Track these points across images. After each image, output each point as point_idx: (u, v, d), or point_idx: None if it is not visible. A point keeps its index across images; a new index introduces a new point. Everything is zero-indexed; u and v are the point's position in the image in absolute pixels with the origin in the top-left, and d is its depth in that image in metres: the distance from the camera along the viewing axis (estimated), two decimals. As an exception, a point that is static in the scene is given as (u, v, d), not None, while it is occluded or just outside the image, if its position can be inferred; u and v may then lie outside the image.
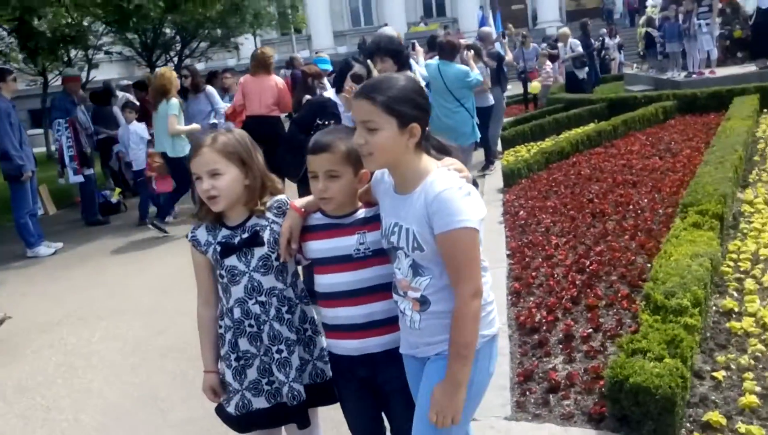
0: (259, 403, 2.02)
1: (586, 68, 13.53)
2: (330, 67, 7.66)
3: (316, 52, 10.67)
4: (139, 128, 8.19)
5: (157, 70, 8.09)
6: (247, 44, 19.85)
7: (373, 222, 1.92)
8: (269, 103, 6.81)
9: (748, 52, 12.12)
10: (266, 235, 2.00)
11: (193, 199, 7.49)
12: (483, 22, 14.21)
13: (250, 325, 2.00)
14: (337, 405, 2.10)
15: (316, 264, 1.99)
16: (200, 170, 1.95)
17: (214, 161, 1.94)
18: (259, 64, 6.93)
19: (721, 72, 11.21)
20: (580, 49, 13.30)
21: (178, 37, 16.39)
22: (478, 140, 6.51)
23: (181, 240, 6.93)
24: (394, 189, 1.82)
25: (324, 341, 2.08)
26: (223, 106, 7.92)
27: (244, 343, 2.00)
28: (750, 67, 11.22)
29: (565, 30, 14.54)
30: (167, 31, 15.39)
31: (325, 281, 1.96)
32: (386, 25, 28.37)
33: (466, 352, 1.68)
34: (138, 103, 9.01)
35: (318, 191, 1.91)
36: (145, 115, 8.50)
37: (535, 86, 13.04)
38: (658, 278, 3.24)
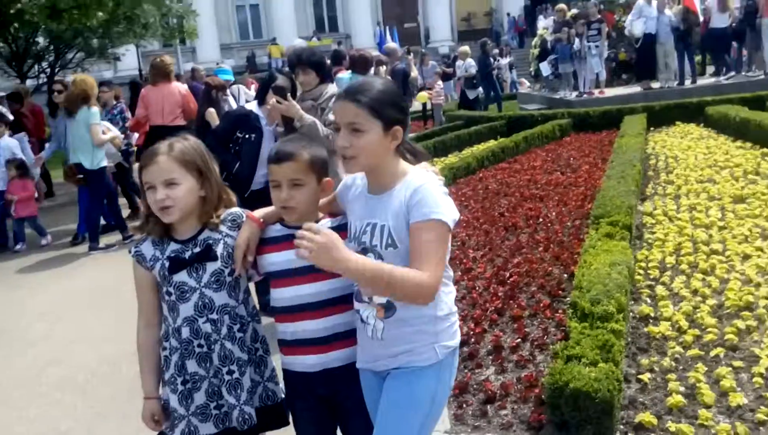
0: (207, 428, 1.93)
1: (480, 89, 14.14)
2: (232, 78, 7.58)
3: (217, 63, 10.48)
4: (11, 143, 7.58)
5: (77, 76, 7.63)
6: (129, 55, 19.14)
7: (337, 232, 1.90)
8: (172, 112, 6.76)
9: (632, 73, 13.15)
10: (219, 249, 1.93)
11: (104, 215, 7.22)
12: (381, 39, 14.50)
13: (200, 345, 1.91)
14: (287, 428, 2.05)
15: (276, 277, 1.95)
16: (155, 179, 1.86)
17: (170, 170, 1.86)
18: (159, 73, 6.86)
19: (610, 92, 12.06)
20: (473, 70, 13.89)
21: (51, 47, 15.55)
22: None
23: (77, 262, 6.54)
24: (368, 191, 1.84)
25: (273, 362, 2.04)
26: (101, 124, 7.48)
27: (192, 365, 1.91)
28: (635, 88, 12.16)
29: (465, 48, 15.15)
30: (40, 40, 14.55)
31: (286, 294, 1.93)
32: (275, 40, 28.38)
33: (379, 282, 1.63)
34: (11, 117, 8.44)
35: (281, 200, 1.90)
36: (20, 127, 7.97)
37: (422, 96, 13.42)
38: (582, 286, 3.42)
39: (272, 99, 3.89)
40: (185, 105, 6.87)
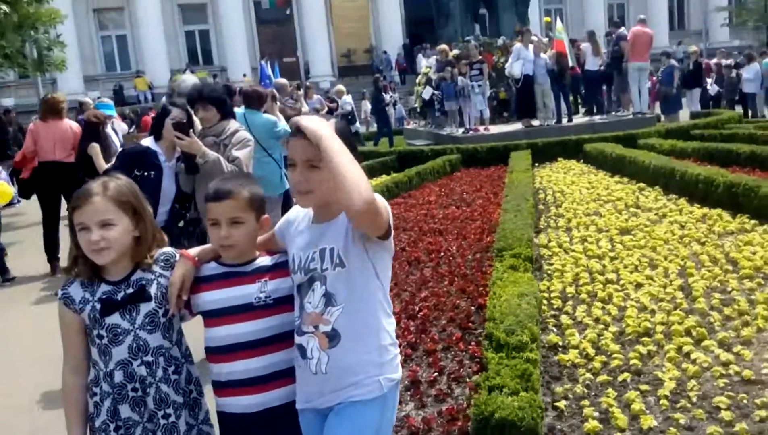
0: None
1: (357, 124, 14.54)
2: (114, 113, 7.42)
3: (98, 97, 10.03)
4: None
5: None
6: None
7: (275, 269, 1.97)
8: (65, 148, 6.85)
9: (512, 112, 13.97)
10: (153, 290, 1.92)
11: None
12: (263, 73, 14.52)
13: (134, 389, 1.86)
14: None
15: (210, 316, 1.94)
16: (89, 220, 1.82)
17: (106, 210, 1.84)
18: (50, 109, 7.07)
19: (494, 129, 12.71)
20: (348, 107, 14.28)
21: None
22: (289, 189, 6.60)
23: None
24: (313, 222, 1.90)
25: (207, 404, 2.01)
26: None
27: (125, 410, 1.85)
28: (517, 125, 12.88)
29: (341, 87, 15.58)
30: None
31: (221, 333, 1.92)
32: (142, 73, 27.60)
33: (338, 149, 1.70)
34: None
35: (220, 238, 1.92)
36: None
37: None
38: (495, 317, 3.55)
39: (171, 135, 3.81)
40: (77, 142, 6.90)
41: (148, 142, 4.14)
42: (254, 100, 6.04)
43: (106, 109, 7.41)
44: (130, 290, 1.90)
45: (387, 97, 17.13)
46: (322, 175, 1.78)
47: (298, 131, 1.81)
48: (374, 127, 18.43)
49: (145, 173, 3.88)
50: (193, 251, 2.02)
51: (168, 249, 2.02)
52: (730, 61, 18.65)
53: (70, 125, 7.14)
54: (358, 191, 1.66)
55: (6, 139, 14.01)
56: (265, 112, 6.19)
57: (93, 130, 6.54)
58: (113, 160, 6.19)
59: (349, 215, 1.72)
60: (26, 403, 4.06)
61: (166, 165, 4.04)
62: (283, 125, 6.20)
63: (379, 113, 14.17)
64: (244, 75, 26.85)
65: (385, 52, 30.03)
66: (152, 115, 14.69)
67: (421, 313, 4.38)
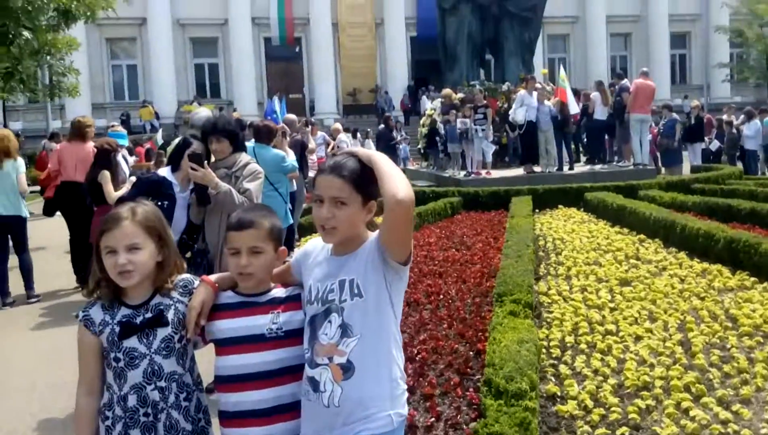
0: None
1: None
2: (126, 142, 7.61)
3: (112, 126, 10.13)
4: None
5: None
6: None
7: (288, 301, 2.00)
8: (86, 170, 7.08)
9: (514, 157, 14.09)
10: (170, 315, 1.96)
11: None
12: (270, 109, 14.68)
13: (146, 414, 1.90)
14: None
15: (223, 344, 1.98)
16: (117, 244, 1.88)
17: (134, 235, 1.91)
18: (76, 131, 7.57)
19: (496, 173, 12.79)
20: (344, 145, 14.45)
21: None
22: (293, 225, 6.65)
23: None
24: (332, 254, 1.96)
25: (213, 433, 2.04)
26: None
27: None
28: (519, 171, 12.97)
29: (337, 125, 15.88)
30: None
31: (232, 362, 1.94)
32: (149, 103, 27.84)
33: (388, 160, 1.87)
34: None
35: (240, 267, 1.96)
36: None
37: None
38: (495, 363, 3.53)
39: (187, 165, 3.86)
40: None
41: (165, 172, 4.21)
42: (264, 135, 6.13)
43: (119, 138, 7.65)
44: (149, 315, 1.95)
45: (397, 136, 17.31)
46: (348, 212, 1.85)
47: (329, 169, 1.88)
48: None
49: (158, 202, 3.92)
50: (214, 277, 2.07)
51: (186, 275, 2.08)
52: (732, 118, 18.87)
53: (93, 148, 7.46)
54: (405, 185, 1.79)
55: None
56: (274, 146, 6.26)
57: (105, 158, 6.72)
58: (126, 187, 6.30)
59: (391, 203, 1.77)
60: (22, 430, 4.01)
61: (180, 196, 4.11)
62: (291, 160, 6.27)
63: (387, 151, 14.34)
64: (234, 109, 27.23)
65: (386, 93, 30.38)
66: (148, 146, 14.83)
67: (419, 356, 4.35)
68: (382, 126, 15.35)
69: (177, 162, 4.06)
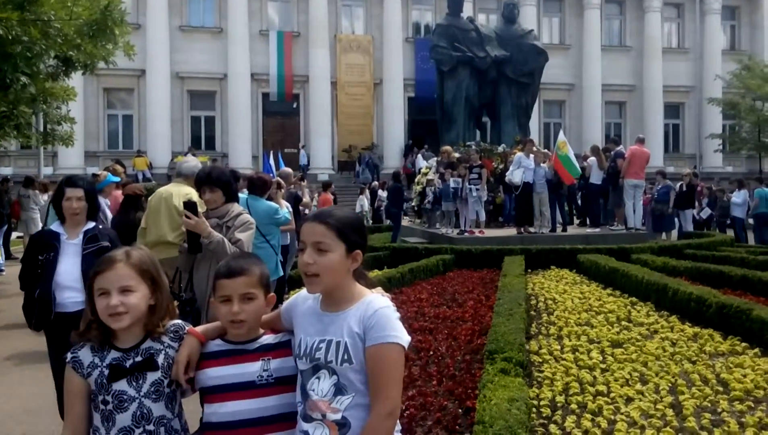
0: None
1: None
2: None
3: (108, 168, 10.19)
4: None
5: None
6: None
7: (278, 348, 2.01)
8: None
9: (507, 217, 14.24)
10: (161, 359, 1.97)
11: None
12: (266, 162, 14.84)
13: None
14: None
15: (213, 392, 1.97)
16: (110, 285, 1.90)
17: (128, 277, 1.93)
18: None
19: (488, 233, 12.88)
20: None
21: None
22: (284, 277, 6.66)
23: None
24: (321, 308, 1.93)
25: None
26: None
27: None
28: (511, 231, 13.09)
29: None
30: None
31: (222, 410, 1.94)
32: (143, 153, 28.08)
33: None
34: None
35: (231, 314, 1.97)
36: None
37: None
38: (485, 421, 3.52)
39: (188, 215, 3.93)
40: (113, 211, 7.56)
41: (55, 224, 4.27)
42: (258, 187, 6.20)
43: (112, 180, 7.86)
44: (139, 358, 1.95)
45: (383, 193, 17.45)
46: (330, 259, 1.85)
47: (313, 216, 1.92)
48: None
49: (44, 255, 4.04)
50: (200, 329, 2.06)
51: (178, 321, 2.09)
52: (723, 187, 19.26)
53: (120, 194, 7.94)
54: (391, 426, 1.81)
55: (2, 204, 14.21)
56: (269, 198, 6.33)
57: (136, 202, 6.74)
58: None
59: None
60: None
61: (69, 243, 4.10)
62: (284, 212, 6.33)
63: (398, 206, 14.49)
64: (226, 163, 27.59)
65: (374, 153, 30.67)
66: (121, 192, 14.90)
67: (407, 412, 4.32)
68: (393, 182, 15.52)
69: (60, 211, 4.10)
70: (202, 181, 4.33)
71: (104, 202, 7.40)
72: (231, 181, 4.41)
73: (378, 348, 1.80)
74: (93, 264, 3.79)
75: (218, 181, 4.29)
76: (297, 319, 2.00)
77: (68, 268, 4.01)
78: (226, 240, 4.02)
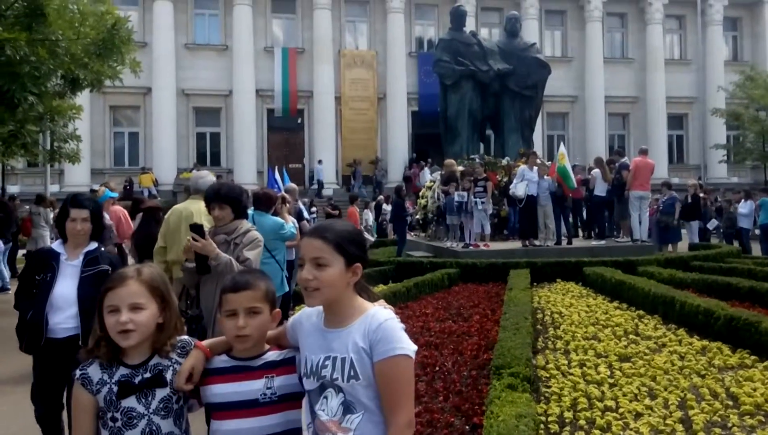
0: None
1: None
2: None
3: (103, 184, 10.24)
4: None
5: None
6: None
7: (282, 365, 1.99)
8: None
9: (512, 230, 14.20)
10: (169, 376, 1.97)
11: None
12: (271, 178, 14.85)
13: None
14: None
15: (217, 409, 1.96)
16: (121, 302, 1.90)
17: (138, 294, 1.93)
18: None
19: (493, 246, 12.83)
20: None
21: None
22: (289, 293, 6.65)
23: None
24: (324, 325, 1.91)
25: None
26: None
27: None
28: (516, 244, 13.04)
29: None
30: None
31: (226, 428, 1.93)
32: (149, 170, 28.18)
33: None
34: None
35: (236, 328, 1.96)
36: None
37: None
38: (492, 438, 3.47)
39: (188, 236, 3.91)
40: (118, 225, 7.71)
41: (56, 243, 4.29)
42: (263, 202, 6.19)
43: (110, 196, 7.96)
44: (148, 375, 1.96)
45: (387, 208, 17.44)
46: (330, 273, 1.84)
47: (311, 231, 1.90)
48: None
49: (42, 275, 4.05)
50: (206, 343, 2.06)
51: (185, 337, 2.08)
52: (731, 197, 19.19)
53: (121, 210, 8.22)
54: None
55: (10, 222, 14.19)
56: (274, 214, 6.31)
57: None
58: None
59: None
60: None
61: (68, 264, 4.08)
62: (289, 227, 6.30)
63: (398, 223, 14.48)
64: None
65: (377, 164, 30.78)
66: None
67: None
68: (395, 196, 15.52)
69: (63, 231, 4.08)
70: (211, 197, 4.31)
71: (105, 215, 7.40)
72: (240, 197, 4.38)
73: (387, 362, 1.79)
74: (90, 287, 3.80)
75: (227, 198, 4.27)
76: (302, 336, 1.99)
77: (64, 291, 3.95)
78: (233, 260, 4.00)
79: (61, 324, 3.95)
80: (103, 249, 4.25)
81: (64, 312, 3.95)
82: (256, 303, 1.99)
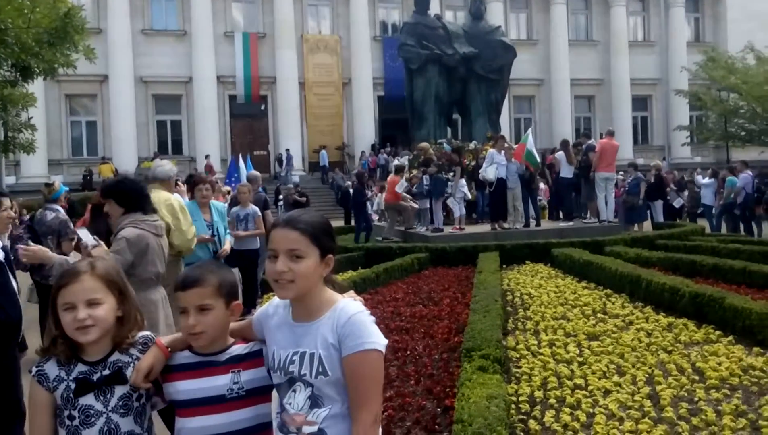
0: None
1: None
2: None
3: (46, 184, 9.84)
4: None
5: None
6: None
7: (248, 359, 1.97)
8: None
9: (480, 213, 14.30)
10: (129, 373, 1.92)
11: None
12: (233, 166, 14.72)
13: None
14: None
15: (183, 406, 1.93)
16: (76, 298, 1.86)
17: (94, 289, 1.88)
18: None
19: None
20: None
21: None
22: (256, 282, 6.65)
23: None
24: (293, 318, 1.88)
25: None
26: None
27: None
28: (485, 227, 13.15)
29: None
30: None
31: (193, 425, 1.90)
32: (108, 160, 27.69)
33: None
34: None
35: (188, 327, 1.92)
36: None
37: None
38: (464, 419, 3.51)
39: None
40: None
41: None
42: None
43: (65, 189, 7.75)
44: (107, 372, 1.91)
45: (368, 192, 17.42)
46: (305, 265, 1.80)
47: (284, 222, 1.86)
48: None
49: None
50: (165, 340, 2.01)
51: (147, 332, 2.03)
52: (697, 176, 19.56)
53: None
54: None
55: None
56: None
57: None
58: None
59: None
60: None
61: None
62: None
63: (358, 208, 14.47)
64: (207, 156, 27.76)
65: (347, 153, 30.81)
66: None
67: (385, 413, 4.30)
68: (356, 182, 15.51)
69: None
70: (102, 192, 4.27)
71: (61, 209, 7.23)
72: (127, 190, 4.19)
73: (356, 356, 1.76)
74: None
75: (108, 191, 4.19)
76: (269, 330, 1.94)
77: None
78: (69, 259, 3.91)
79: None
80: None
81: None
82: (205, 300, 1.92)
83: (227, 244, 6.72)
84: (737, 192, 15.97)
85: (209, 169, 25.98)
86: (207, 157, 28.16)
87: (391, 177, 13.69)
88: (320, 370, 1.78)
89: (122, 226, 4.10)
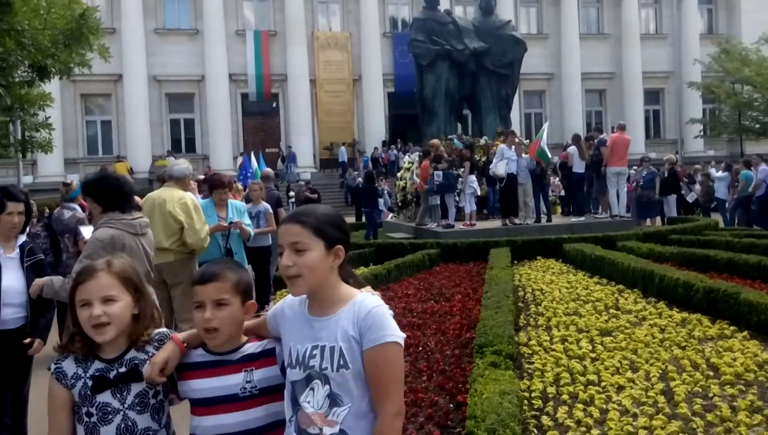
0: None
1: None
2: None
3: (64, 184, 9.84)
4: None
5: None
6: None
7: (262, 357, 1.96)
8: None
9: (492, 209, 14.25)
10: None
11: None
12: (246, 164, 14.76)
13: None
14: None
15: (197, 405, 1.94)
16: (92, 296, 1.86)
17: (110, 286, 1.89)
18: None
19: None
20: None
21: None
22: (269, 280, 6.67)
23: None
24: (310, 313, 1.87)
25: None
26: None
27: None
28: (496, 223, 13.10)
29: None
30: None
31: (207, 423, 1.90)
32: (123, 158, 27.84)
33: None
34: None
35: (204, 321, 1.91)
36: None
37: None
38: (477, 415, 3.49)
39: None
40: None
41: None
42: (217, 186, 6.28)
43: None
44: (123, 369, 1.92)
45: (379, 189, 17.43)
46: (310, 258, 1.79)
47: (288, 218, 1.86)
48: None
49: None
50: (182, 336, 2.02)
51: (163, 329, 2.05)
52: (711, 170, 19.40)
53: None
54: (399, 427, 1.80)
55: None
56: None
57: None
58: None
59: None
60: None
61: (5, 258, 4.07)
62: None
63: (371, 204, 14.49)
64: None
65: (358, 151, 30.80)
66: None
67: (398, 409, 4.29)
68: (365, 181, 15.53)
69: None
70: (84, 190, 4.28)
71: (78, 208, 7.27)
72: (104, 188, 4.11)
73: (377, 349, 1.76)
74: (33, 276, 3.91)
75: (86, 190, 4.18)
76: (285, 326, 1.93)
77: (11, 283, 4.00)
78: (56, 281, 3.91)
79: (12, 315, 4.00)
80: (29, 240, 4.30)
81: (14, 304, 4.00)
82: (223, 295, 1.93)
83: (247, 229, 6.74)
84: (758, 184, 15.70)
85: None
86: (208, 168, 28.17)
87: (423, 163, 13.60)
88: (341, 362, 1.77)
89: (97, 226, 4.07)
